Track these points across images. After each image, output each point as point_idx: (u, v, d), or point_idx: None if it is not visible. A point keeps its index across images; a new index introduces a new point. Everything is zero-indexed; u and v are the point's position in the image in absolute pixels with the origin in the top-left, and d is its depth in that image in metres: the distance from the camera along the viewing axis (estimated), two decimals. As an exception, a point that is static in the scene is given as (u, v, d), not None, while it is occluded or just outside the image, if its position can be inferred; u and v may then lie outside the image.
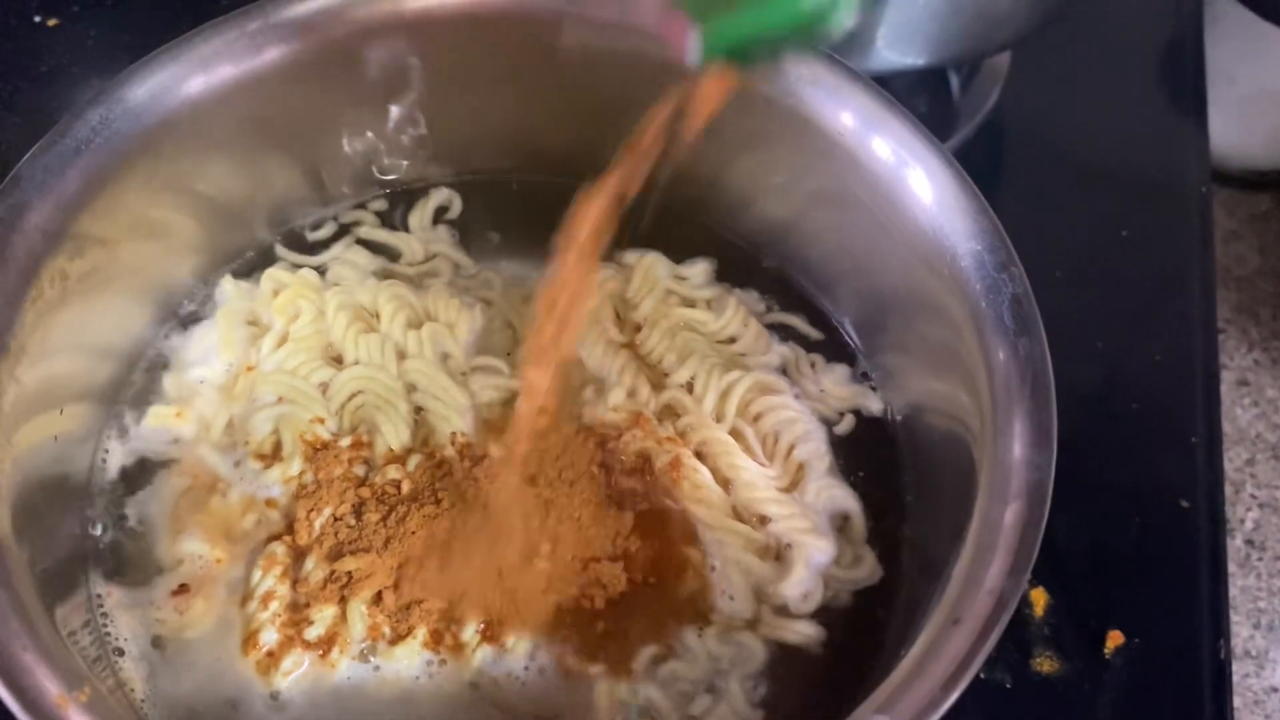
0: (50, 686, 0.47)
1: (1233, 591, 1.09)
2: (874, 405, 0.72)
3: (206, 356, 0.71)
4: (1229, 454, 1.18)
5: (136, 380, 0.71)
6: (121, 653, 0.62)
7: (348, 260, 0.75)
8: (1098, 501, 0.94)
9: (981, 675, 0.86)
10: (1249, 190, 1.88)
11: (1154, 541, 0.95)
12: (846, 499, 0.68)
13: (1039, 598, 0.92)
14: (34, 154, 0.60)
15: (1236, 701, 0.99)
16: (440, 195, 0.79)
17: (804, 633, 0.64)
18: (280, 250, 0.76)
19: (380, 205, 0.79)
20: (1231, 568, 1.11)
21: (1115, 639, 0.90)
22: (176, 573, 0.64)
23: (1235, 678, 1.00)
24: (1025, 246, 0.64)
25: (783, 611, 0.65)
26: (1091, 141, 1.13)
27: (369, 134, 0.75)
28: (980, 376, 0.59)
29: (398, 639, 0.62)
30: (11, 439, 0.56)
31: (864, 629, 0.65)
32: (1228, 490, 1.10)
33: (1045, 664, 0.89)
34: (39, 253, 0.59)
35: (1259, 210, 1.87)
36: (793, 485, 0.69)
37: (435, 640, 0.62)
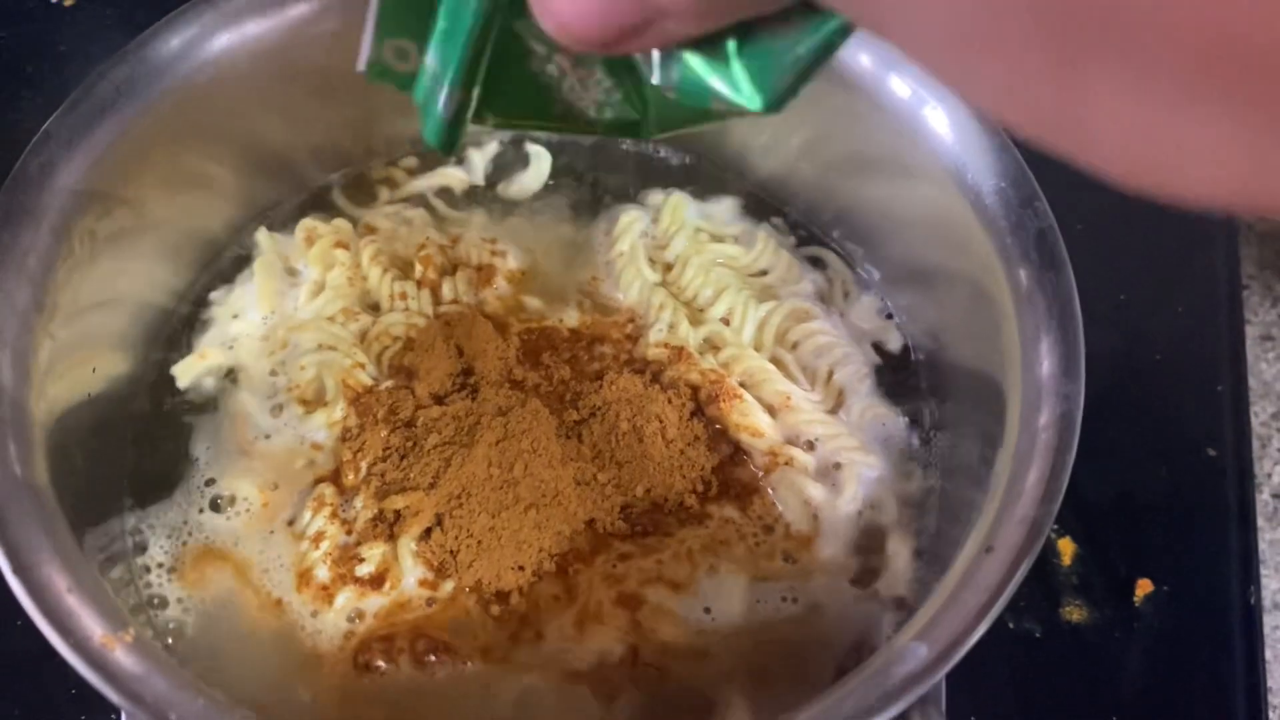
0: (95, 628, 0.47)
1: (1261, 546, 1.09)
2: (894, 341, 0.73)
3: (244, 308, 0.71)
4: (1254, 409, 1.17)
5: (172, 333, 0.71)
6: (164, 604, 0.63)
7: (387, 213, 0.76)
8: (1123, 451, 0.93)
9: (1010, 625, 0.86)
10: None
11: (1181, 490, 0.95)
12: (890, 416, 0.69)
13: (1066, 547, 0.92)
14: (61, 113, 0.60)
15: (1266, 654, 0.99)
16: (490, 146, 0.80)
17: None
18: (336, 198, 0.77)
19: (411, 162, 0.79)
20: (1259, 522, 1.10)
21: (1145, 587, 0.90)
22: (222, 516, 0.65)
23: (1264, 630, 1.00)
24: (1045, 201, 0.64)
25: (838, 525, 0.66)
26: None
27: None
28: (1007, 310, 0.59)
29: (445, 574, 0.62)
30: (47, 393, 0.56)
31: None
32: (1254, 445, 1.10)
33: (1075, 613, 0.89)
34: (69, 211, 0.59)
35: (1281, 164, 1.86)
36: (836, 408, 0.70)
37: (483, 577, 0.62)
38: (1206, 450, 0.97)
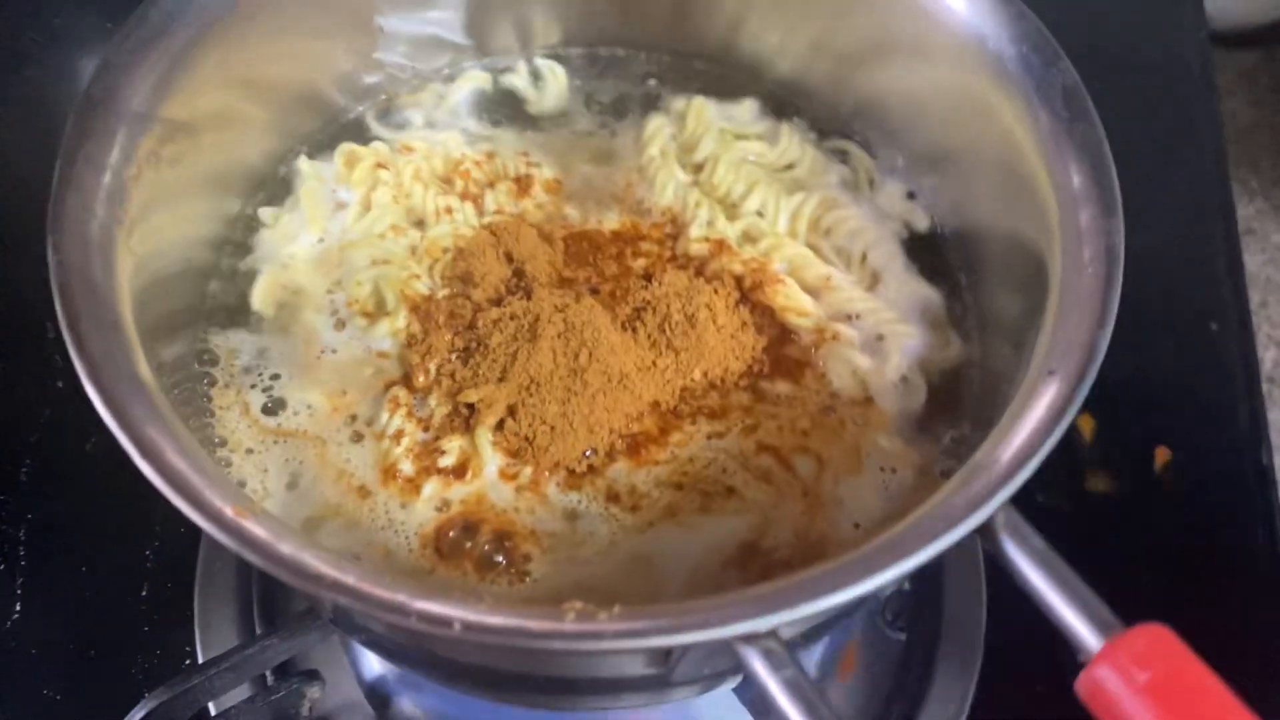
0: (222, 503, 0.49)
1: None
2: (920, 221, 0.76)
3: (295, 233, 0.73)
4: (1242, 298, 1.21)
5: (228, 257, 0.73)
6: (242, 484, 0.65)
7: (421, 135, 0.78)
8: (1132, 328, 0.97)
9: (1039, 499, 0.90)
10: (1237, 48, 1.92)
11: (1189, 362, 0.99)
12: (925, 289, 0.73)
13: (1085, 424, 0.96)
14: (117, 41, 0.62)
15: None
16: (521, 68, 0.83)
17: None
18: (374, 125, 0.79)
19: (439, 88, 0.81)
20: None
21: (1163, 455, 0.94)
22: (293, 419, 0.67)
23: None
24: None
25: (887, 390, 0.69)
26: (1088, 9, 1.16)
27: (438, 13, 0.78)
28: (1038, 167, 0.62)
29: (524, 460, 0.65)
30: (133, 303, 0.58)
31: (947, 405, 0.70)
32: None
33: (1099, 483, 0.93)
34: (134, 133, 0.61)
35: (1248, 65, 1.92)
36: (873, 286, 0.73)
37: (560, 459, 0.65)
38: (1209, 325, 1.01)
